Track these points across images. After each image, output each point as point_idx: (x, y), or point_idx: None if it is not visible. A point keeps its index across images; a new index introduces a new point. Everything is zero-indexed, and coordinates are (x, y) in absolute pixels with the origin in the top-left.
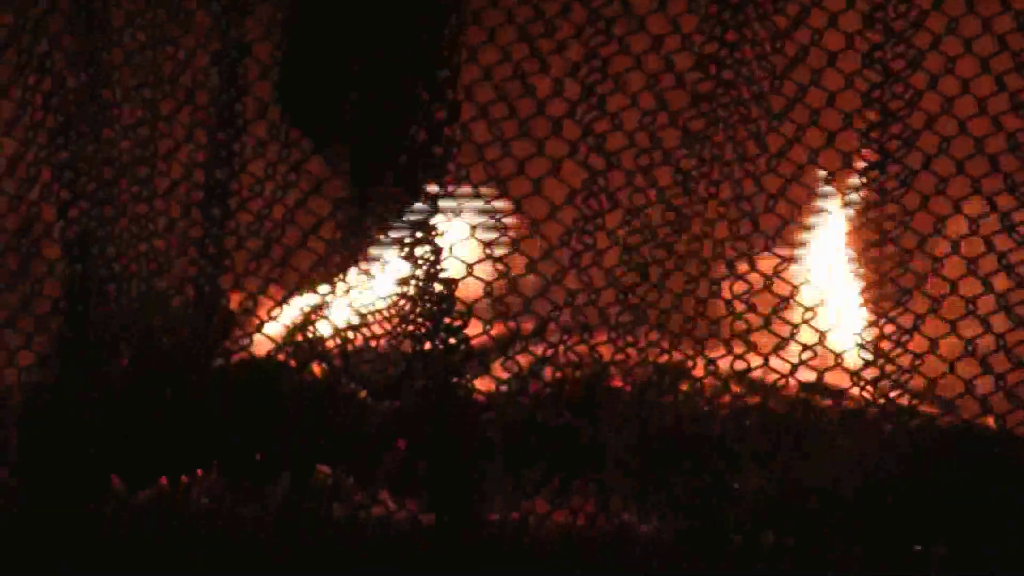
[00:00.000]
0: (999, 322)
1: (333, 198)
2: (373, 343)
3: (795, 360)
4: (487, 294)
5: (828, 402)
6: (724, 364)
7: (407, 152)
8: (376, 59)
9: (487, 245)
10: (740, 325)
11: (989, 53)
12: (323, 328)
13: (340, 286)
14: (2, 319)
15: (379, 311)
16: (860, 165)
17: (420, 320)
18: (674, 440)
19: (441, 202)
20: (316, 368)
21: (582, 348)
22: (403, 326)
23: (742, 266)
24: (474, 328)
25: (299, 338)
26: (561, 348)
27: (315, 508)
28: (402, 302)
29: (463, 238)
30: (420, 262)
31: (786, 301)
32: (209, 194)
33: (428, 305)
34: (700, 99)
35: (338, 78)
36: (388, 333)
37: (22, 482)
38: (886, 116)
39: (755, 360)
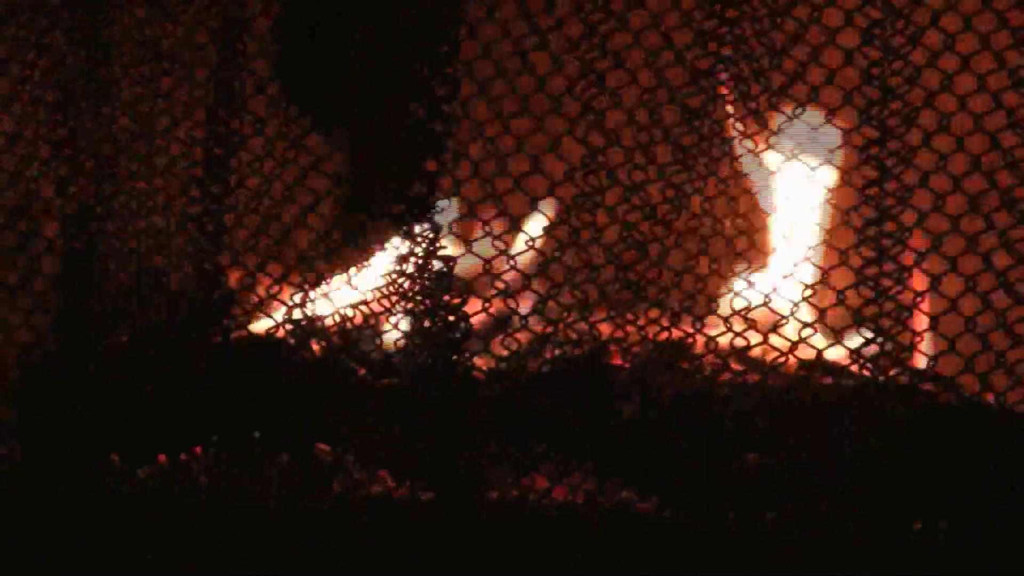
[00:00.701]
0: (999, 299)
1: (332, 175)
2: (372, 321)
3: (795, 338)
4: (486, 271)
5: (828, 380)
6: (724, 342)
7: (406, 128)
8: (375, 35)
9: (487, 223)
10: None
11: (988, 29)
12: (322, 306)
13: (339, 264)
14: (1, 296)
15: (378, 289)
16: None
17: (419, 298)
18: (673, 418)
19: (440, 179)
20: (315, 346)
21: (581, 326)
22: (402, 304)
23: (741, 244)
24: (473, 306)
25: (298, 316)
26: (560, 326)
27: (314, 486)
28: (401, 280)
29: (462, 216)
30: (419, 239)
31: (786, 279)
32: (208, 171)
33: (427, 283)
34: (699, 76)
35: (337, 54)
36: (387, 311)
37: (21, 460)
38: (885, 93)
39: (755, 338)
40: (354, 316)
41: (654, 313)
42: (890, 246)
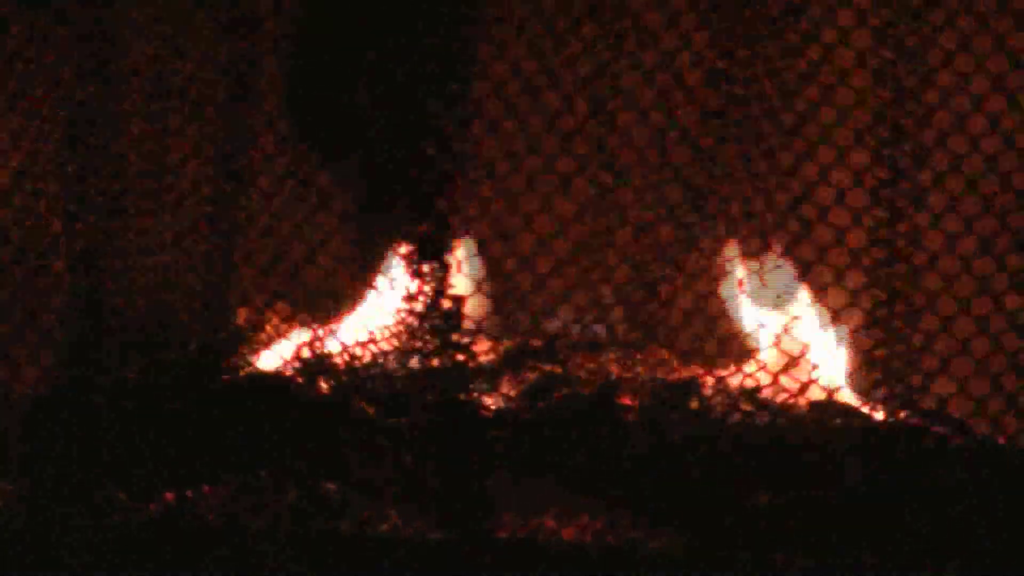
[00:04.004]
0: (1009, 340)
1: (341, 213)
2: (381, 360)
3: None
4: (496, 311)
5: (838, 421)
6: (734, 382)
7: (416, 167)
8: (386, 72)
9: (496, 262)
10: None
11: (1001, 70)
12: (331, 344)
13: (348, 302)
14: (8, 333)
15: (387, 327)
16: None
17: (428, 337)
18: (683, 457)
19: (450, 217)
20: (323, 384)
21: (591, 365)
22: (411, 342)
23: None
24: (482, 345)
25: (307, 354)
26: (570, 365)
27: (322, 525)
28: (410, 318)
29: (472, 254)
30: (428, 278)
31: (796, 319)
32: (216, 208)
33: (436, 321)
34: (711, 115)
35: (347, 91)
36: (396, 350)
37: (27, 496)
38: (897, 133)
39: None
40: (363, 355)
41: (664, 353)
42: (901, 287)
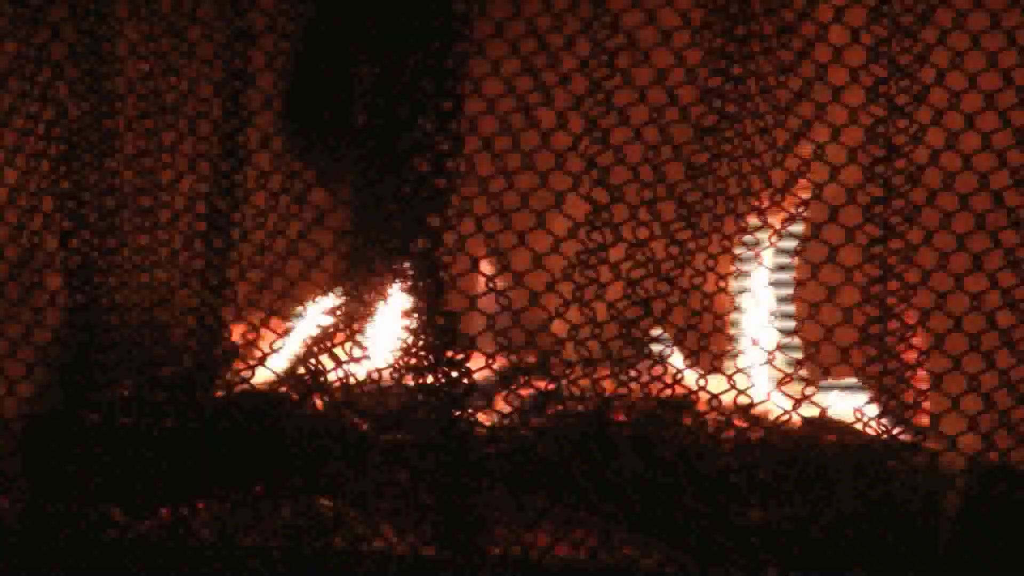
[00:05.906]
0: (1003, 357)
1: (336, 230)
2: (375, 376)
3: (798, 395)
4: (490, 327)
5: (831, 437)
6: (727, 399)
7: (410, 184)
8: (379, 90)
9: (490, 279)
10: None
11: (994, 88)
12: (325, 360)
13: (342, 318)
14: (3, 349)
15: (381, 344)
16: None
17: (422, 353)
18: (676, 475)
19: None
20: (318, 400)
21: (584, 382)
22: (405, 359)
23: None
24: (476, 361)
25: (301, 370)
26: (564, 382)
27: (316, 541)
28: (404, 335)
29: (466, 271)
30: (422, 295)
31: (789, 336)
32: (211, 225)
33: (430, 338)
34: (704, 133)
35: (341, 109)
36: (390, 366)
37: (22, 513)
38: (889, 151)
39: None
40: (357, 371)
41: (657, 370)
42: (894, 304)
